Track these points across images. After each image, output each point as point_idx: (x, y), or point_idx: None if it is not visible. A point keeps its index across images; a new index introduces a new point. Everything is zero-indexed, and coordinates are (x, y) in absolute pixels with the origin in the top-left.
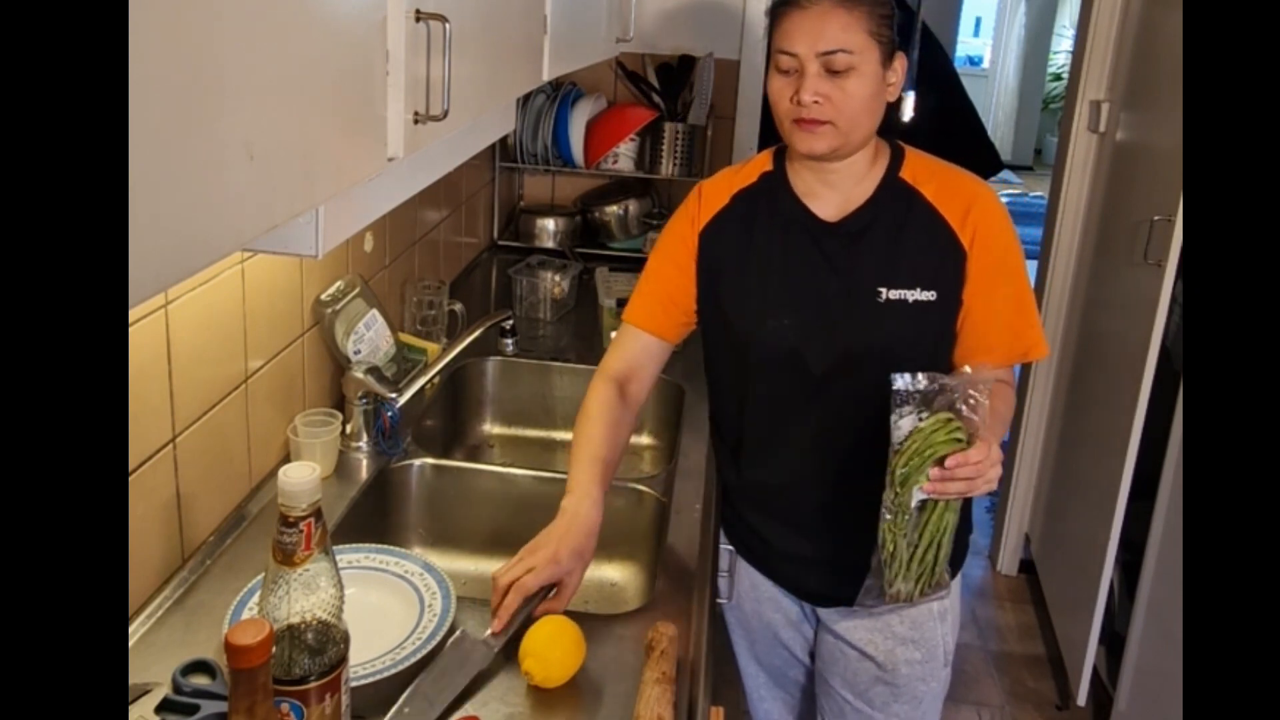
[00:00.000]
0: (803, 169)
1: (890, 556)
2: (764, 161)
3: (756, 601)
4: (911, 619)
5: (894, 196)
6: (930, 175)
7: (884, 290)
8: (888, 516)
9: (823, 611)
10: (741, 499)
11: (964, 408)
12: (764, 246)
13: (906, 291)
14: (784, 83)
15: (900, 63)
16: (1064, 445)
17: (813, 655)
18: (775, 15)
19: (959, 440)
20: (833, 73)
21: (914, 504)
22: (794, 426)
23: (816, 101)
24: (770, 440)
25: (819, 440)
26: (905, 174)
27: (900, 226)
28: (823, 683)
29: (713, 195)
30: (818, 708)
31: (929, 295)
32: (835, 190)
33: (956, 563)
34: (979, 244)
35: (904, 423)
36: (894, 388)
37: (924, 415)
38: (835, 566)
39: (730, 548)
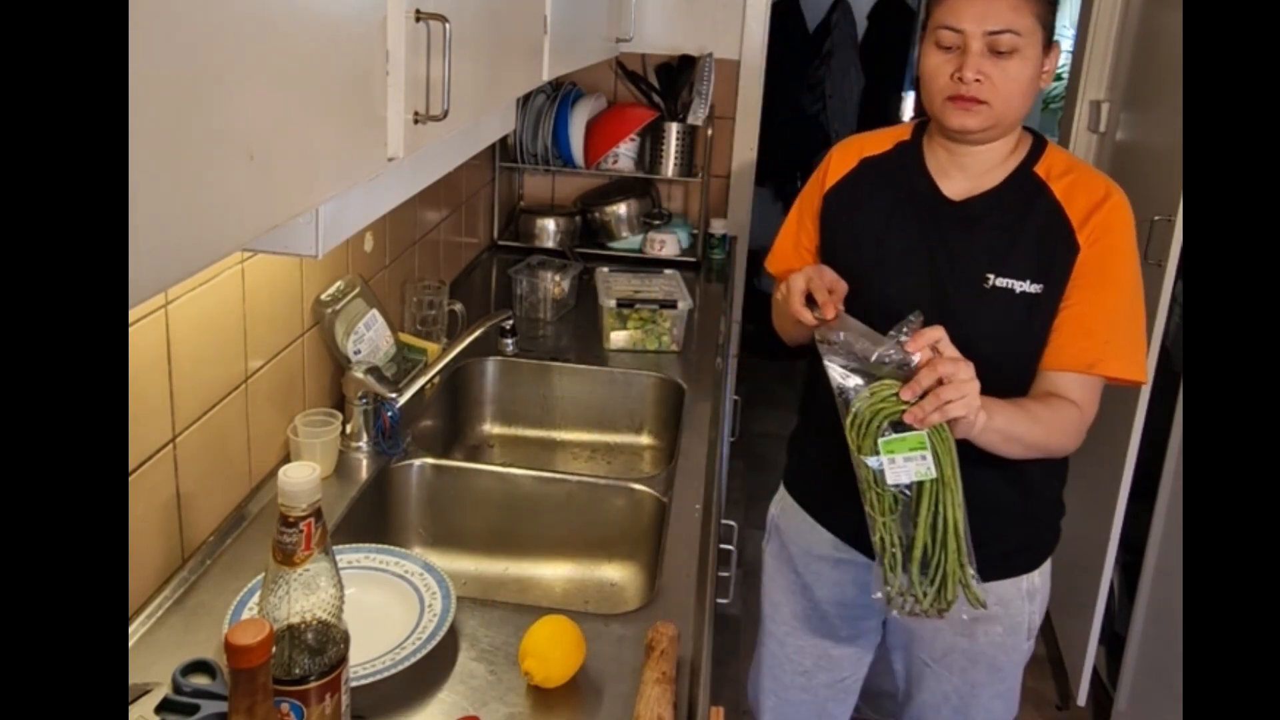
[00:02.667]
0: (939, 147)
1: (881, 547)
2: (902, 132)
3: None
4: (998, 595)
5: (1021, 187)
6: (1064, 172)
7: (991, 276)
8: (862, 490)
9: None
10: (819, 472)
11: (910, 361)
12: (883, 213)
13: (1015, 281)
14: (943, 59)
15: (1056, 51)
16: None
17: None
18: None
19: (907, 402)
20: (996, 53)
21: (889, 482)
22: None
23: (978, 80)
24: None
25: None
26: (1039, 168)
27: (1020, 217)
28: (901, 650)
29: (841, 160)
30: (893, 671)
31: (1036, 288)
32: (966, 173)
33: (1043, 550)
34: (1094, 244)
35: (834, 369)
36: (819, 338)
37: (854, 366)
38: None
39: (730, 547)
